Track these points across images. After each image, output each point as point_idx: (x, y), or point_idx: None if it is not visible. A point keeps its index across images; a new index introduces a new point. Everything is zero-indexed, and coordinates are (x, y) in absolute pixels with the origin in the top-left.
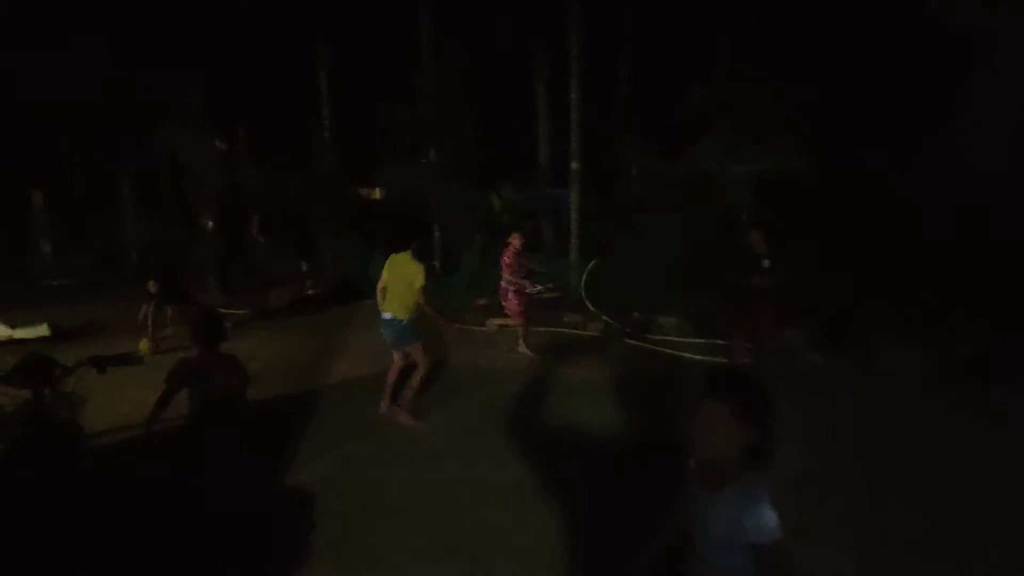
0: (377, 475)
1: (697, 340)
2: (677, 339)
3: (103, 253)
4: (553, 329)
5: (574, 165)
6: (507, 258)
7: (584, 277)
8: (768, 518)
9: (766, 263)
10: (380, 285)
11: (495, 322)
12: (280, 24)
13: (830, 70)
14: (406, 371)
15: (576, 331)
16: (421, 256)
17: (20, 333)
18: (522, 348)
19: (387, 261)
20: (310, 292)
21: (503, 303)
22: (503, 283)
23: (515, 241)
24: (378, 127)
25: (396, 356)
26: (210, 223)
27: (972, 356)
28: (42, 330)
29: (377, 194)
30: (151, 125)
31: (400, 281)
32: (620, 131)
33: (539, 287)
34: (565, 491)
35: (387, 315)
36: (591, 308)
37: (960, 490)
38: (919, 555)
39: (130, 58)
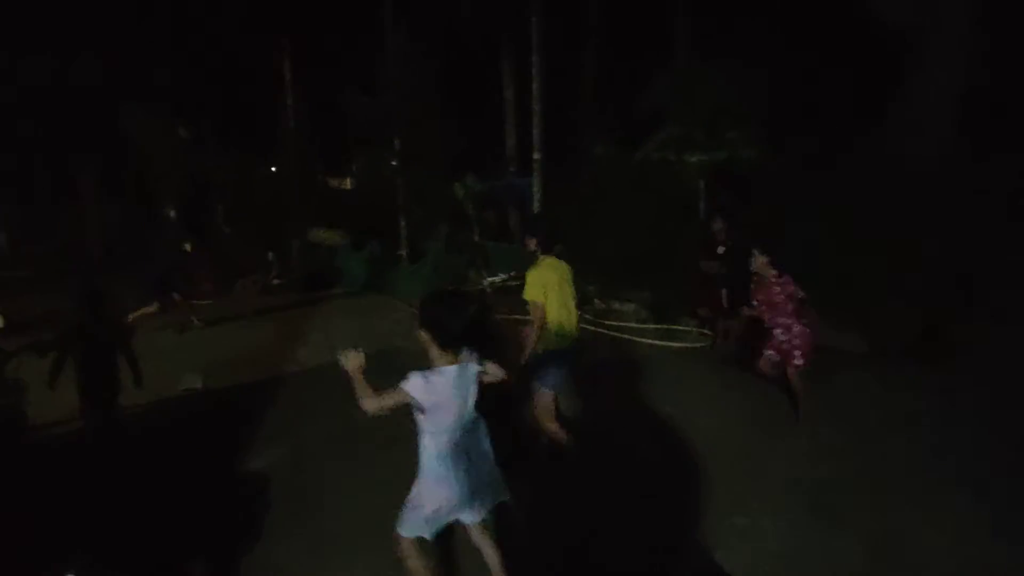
0: (333, 458)
1: (656, 326)
2: (635, 325)
3: (61, 243)
4: (516, 317)
5: (536, 155)
6: None
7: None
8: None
9: (721, 250)
10: (541, 303)
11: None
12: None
13: (782, 63)
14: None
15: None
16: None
17: None
18: None
19: (543, 268)
20: (276, 282)
21: None
22: None
23: None
24: (345, 116)
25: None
26: (172, 212)
27: (904, 340)
28: None
29: (346, 184)
30: (113, 112)
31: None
32: (583, 120)
33: (501, 275)
34: (515, 473)
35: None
36: None
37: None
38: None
39: (93, 43)
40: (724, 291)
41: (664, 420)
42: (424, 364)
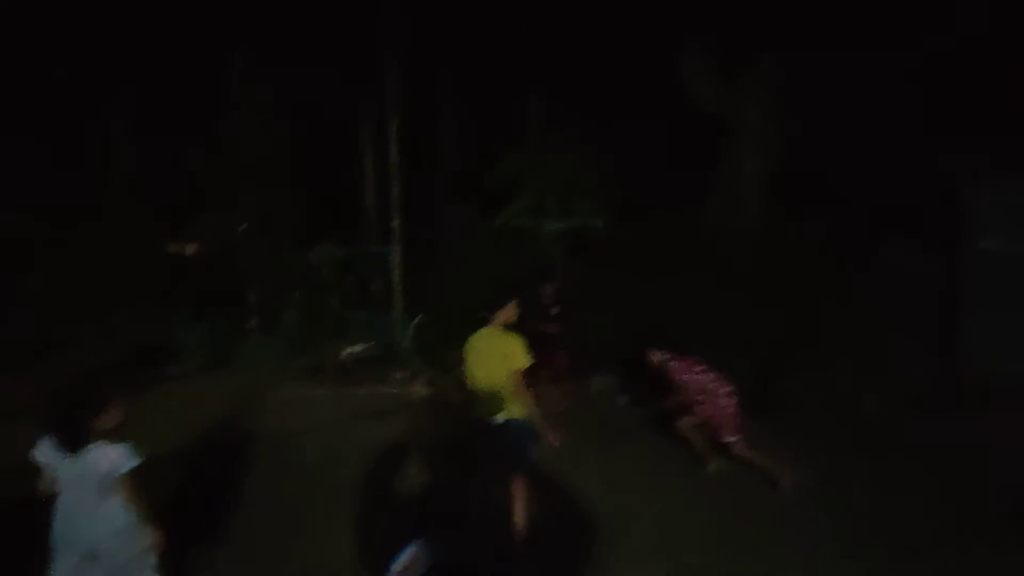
0: None
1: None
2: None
3: None
4: (379, 389)
5: (395, 221)
6: None
7: (410, 333)
8: None
9: (554, 311)
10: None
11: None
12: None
13: (624, 140)
14: None
15: (403, 390)
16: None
17: None
18: None
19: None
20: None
21: None
22: None
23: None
24: (188, 175)
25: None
26: None
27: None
28: None
29: (191, 250)
30: None
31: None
32: (443, 187)
33: (362, 345)
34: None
35: (498, 418)
36: (418, 365)
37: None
38: None
39: None
40: (563, 352)
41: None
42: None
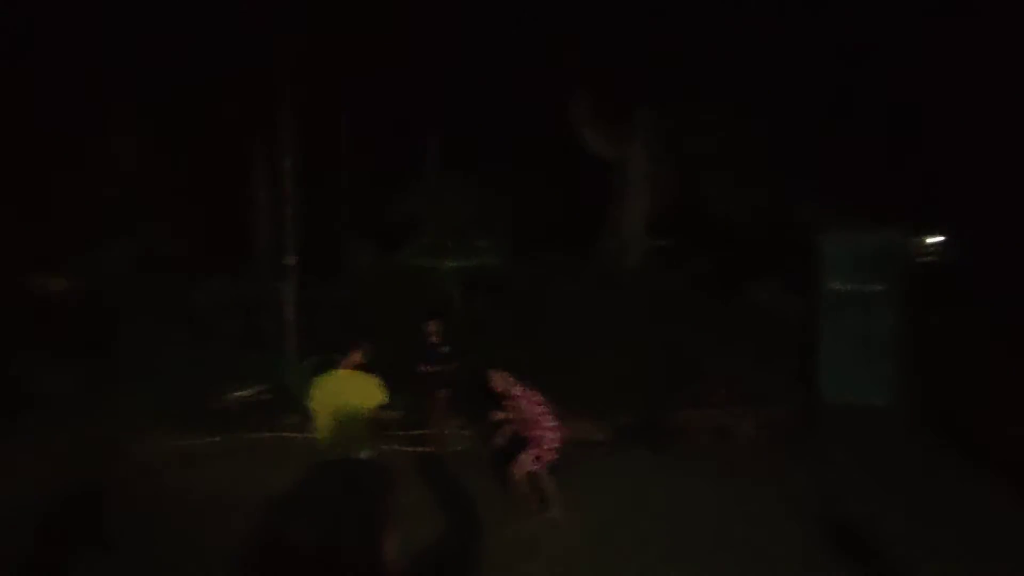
0: None
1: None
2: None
3: None
4: (271, 435)
5: (289, 259)
6: None
7: (305, 374)
8: None
9: (445, 349)
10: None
11: None
12: None
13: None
14: None
15: (297, 435)
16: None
17: None
18: None
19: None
20: None
21: None
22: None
23: None
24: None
25: None
26: None
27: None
28: None
29: (57, 284)
30: None
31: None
32: (342, 225)
33: (249, 389)
34: None
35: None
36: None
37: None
38: None
39: None
40: (444, 391)
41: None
42: None
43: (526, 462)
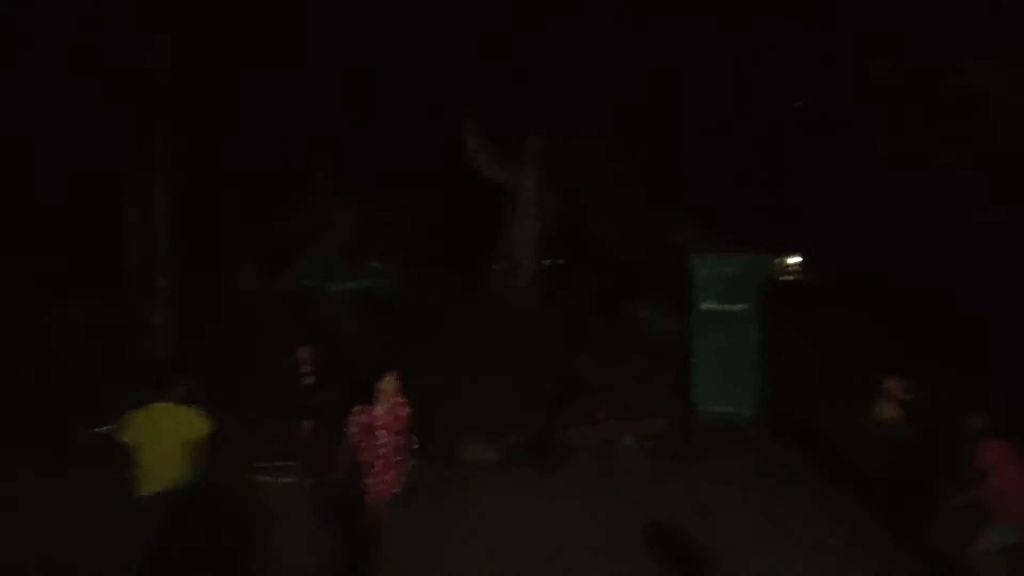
0: None
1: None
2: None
3: None
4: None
5: (160, 282)
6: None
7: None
8: None
9: (311, 380)
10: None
11: None
12: None
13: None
14: None
15: None
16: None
17: None
18: None
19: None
20: None
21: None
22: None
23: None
24: None
25: None
26: None
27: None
28: None
29: None
30: None
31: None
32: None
33: (113, 424)
34: None
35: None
36: None
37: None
38: None
39: None
40: (310, 423)
41: None
42: None
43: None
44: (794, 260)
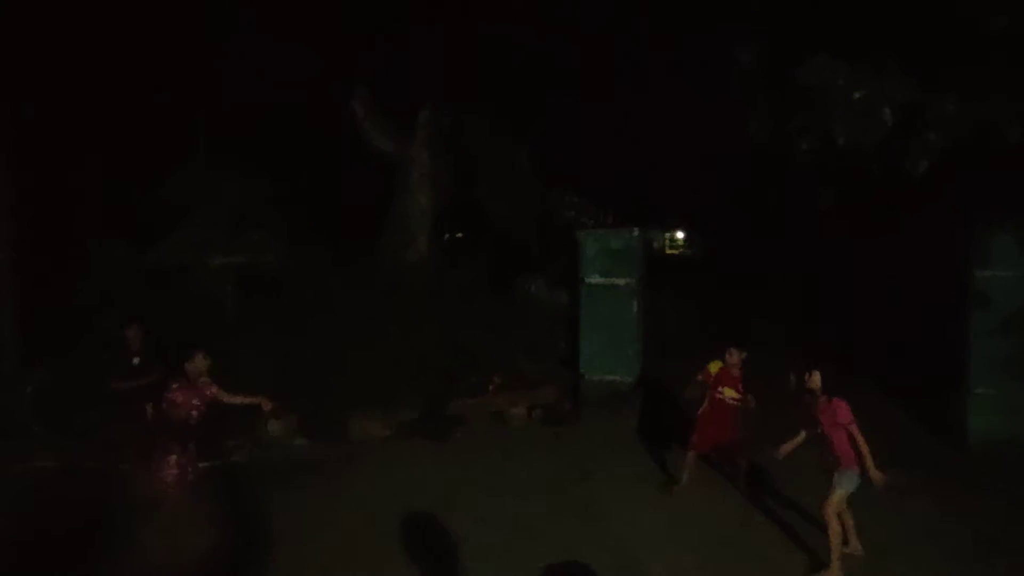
0: None
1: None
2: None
3: None
4: None
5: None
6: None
7: (27, 394)
8: None
9: (136, 360)
10: None
11: None
12: None
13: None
14: None
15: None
16: None
17: None
18: None
19: None
20: None
21: None
22: None
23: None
24: None
25: None
26: None
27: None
28: None
29: None
30: None
31: None
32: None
33: None
34: None
35: None
36: (40, 434)
37: None
38: None
39: None
40: (148, 406)
41: None
42: None
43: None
44: (679, 235)
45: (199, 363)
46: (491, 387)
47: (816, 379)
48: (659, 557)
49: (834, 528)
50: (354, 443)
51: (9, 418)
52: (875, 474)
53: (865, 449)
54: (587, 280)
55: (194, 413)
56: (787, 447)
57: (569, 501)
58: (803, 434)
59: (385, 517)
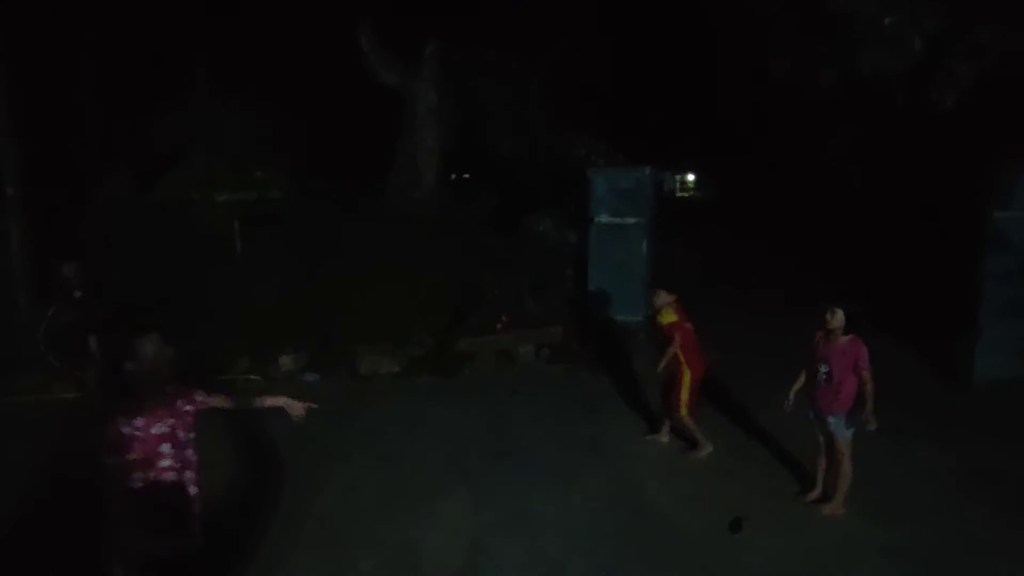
0: None
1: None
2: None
3: None
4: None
5: (9, 189)
6: None
7: (43, 325)
8: None
9: (78, 294)
10: None
11: None
12: None
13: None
14: None
15: (39, 397)
16: None
17: None
18: None
19: None
20: None
21: None
22: None
23: None
24: None
25: None
26: None
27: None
28: None
29: None
30: None
31: None
32: (86, 151)
33: None
34: None
35: None
36: (56, 367)
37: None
38: None
39: None
40: (92, 338)
41: None
42: None
43: None
44: (691, 178)
45: (154, 351)
46: (499, 325)
47: (840, 317)
48: (662, 486)
49: (846, 470)
50: (363, 379)
51: (27, 351)
52: (873, 419)
53: (873, 395)
54: (596, 219)
55: (166, 454)
56: (792, 397)
57: (575, 435)
58: (803, 376)
59: (393, 451)
